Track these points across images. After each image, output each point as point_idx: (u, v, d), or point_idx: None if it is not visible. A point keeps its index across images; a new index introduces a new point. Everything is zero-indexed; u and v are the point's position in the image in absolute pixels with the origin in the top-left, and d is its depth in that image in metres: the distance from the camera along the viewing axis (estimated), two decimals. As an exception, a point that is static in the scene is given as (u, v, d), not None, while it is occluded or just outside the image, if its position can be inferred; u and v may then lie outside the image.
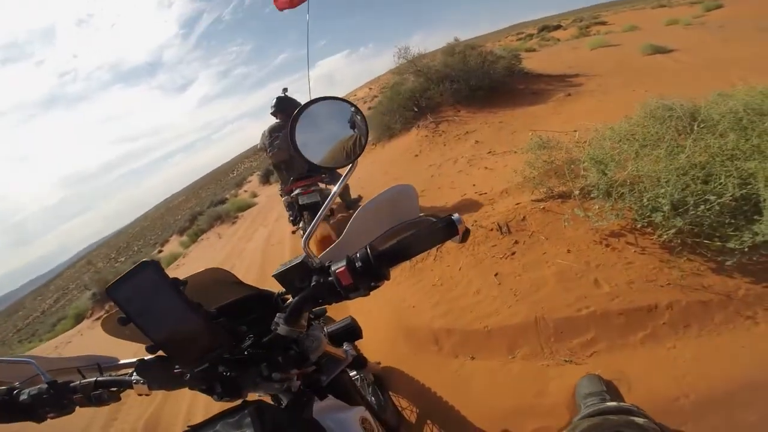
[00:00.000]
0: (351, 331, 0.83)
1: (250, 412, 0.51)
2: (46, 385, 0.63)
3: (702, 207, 1.52)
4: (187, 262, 7.72)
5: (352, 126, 0.66)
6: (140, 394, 0.67)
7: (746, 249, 1.46)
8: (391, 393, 1.52)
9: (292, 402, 0.62)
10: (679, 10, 13.35)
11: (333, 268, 0.53)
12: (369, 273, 0.52)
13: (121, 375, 0.69)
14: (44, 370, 0.67)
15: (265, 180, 14.35)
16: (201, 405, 2.28)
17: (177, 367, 0.60)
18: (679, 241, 1.68)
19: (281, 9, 4.06)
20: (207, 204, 14.08)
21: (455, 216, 0.54)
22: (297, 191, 3.24)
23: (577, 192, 2.11)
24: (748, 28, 6.93)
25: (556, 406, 1.40)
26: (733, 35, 6.81)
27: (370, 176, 5.12)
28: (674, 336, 1.47)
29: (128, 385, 0.66)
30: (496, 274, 2.00)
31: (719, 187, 1.53)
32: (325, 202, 0.70)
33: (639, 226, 1.84)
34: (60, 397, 0.64)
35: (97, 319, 7.17)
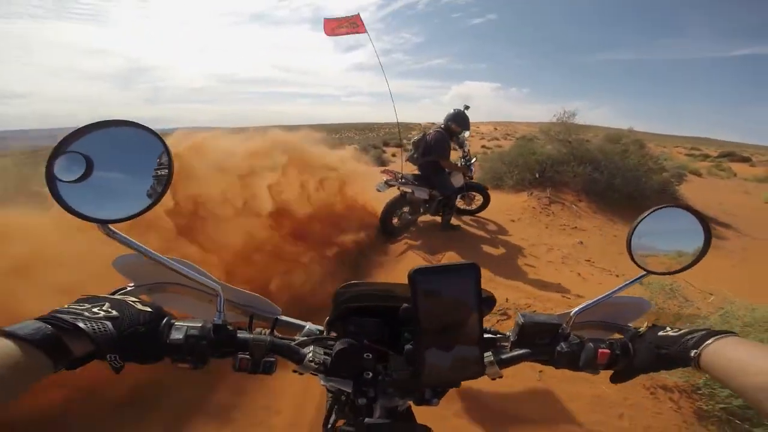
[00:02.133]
0: None
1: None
2: (210, 326, 0.49)
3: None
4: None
5: None
6: (296, 371, 0.56)
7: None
8: None
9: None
10: None
11: (592, 345, 0.56)
12: (620, 361, 0.55)
13: (286, 339, 0.58)
14: (224, 306, 0.53)
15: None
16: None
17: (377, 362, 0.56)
18: (716, 413, 1.79)
19: (329, 35, 4.79)
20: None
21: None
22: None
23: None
24: None
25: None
26: None
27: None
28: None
29: (299, 359, 0.54)
30: (540, 371, 2.09)
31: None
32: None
33: (691, 390, 1.95)
34: (220, 346, 0.49)
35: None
